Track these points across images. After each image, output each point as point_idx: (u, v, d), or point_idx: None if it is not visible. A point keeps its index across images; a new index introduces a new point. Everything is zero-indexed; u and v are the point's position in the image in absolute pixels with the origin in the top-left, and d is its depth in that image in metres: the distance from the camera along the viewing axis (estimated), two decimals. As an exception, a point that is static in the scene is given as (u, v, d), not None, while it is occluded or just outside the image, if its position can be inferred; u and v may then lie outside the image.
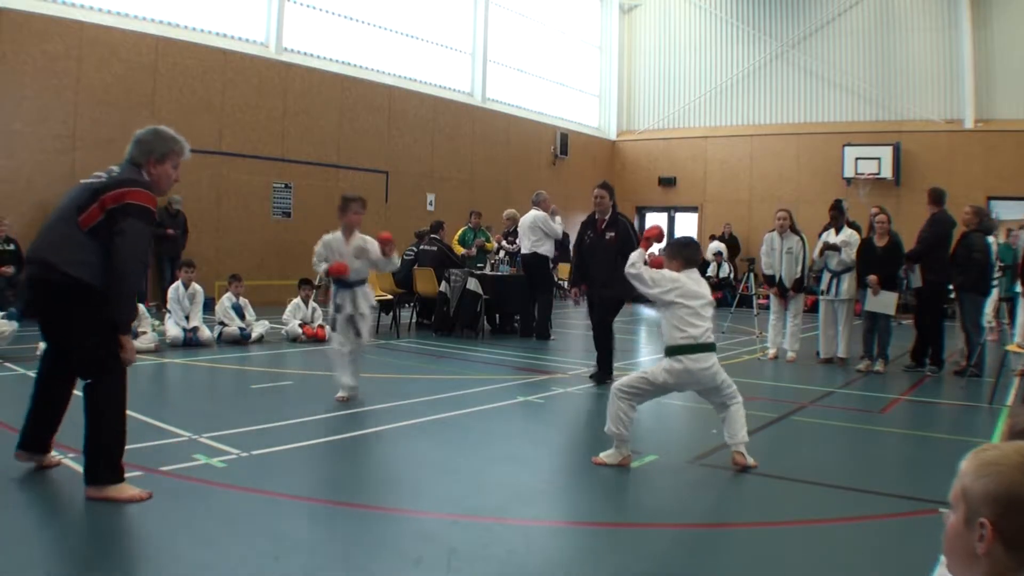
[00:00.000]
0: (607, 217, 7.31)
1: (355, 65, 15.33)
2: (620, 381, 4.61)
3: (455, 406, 6.04)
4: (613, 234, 7.23)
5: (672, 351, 4.43)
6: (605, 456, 4.53)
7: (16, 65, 10.76)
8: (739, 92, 20.40)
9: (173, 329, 8.56)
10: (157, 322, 8.80)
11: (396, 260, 6.25)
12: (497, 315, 11.07)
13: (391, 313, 10.76)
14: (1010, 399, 6.78)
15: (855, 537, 3.56)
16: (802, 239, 9.05)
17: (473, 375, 7.54)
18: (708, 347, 4.44)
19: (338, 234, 6.14)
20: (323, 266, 6.09)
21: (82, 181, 3.68)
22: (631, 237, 7.16)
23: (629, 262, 4.63)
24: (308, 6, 14.63)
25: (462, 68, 18.05)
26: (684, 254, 4.72)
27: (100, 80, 11.56)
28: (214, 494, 3.79)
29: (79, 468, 4.00)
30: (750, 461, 4.45)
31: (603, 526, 3.66)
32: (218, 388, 7.06)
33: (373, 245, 5.99)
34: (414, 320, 11.32)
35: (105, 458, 3.57)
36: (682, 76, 21.31)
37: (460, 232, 12.15)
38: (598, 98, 22.44)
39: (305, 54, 14.50)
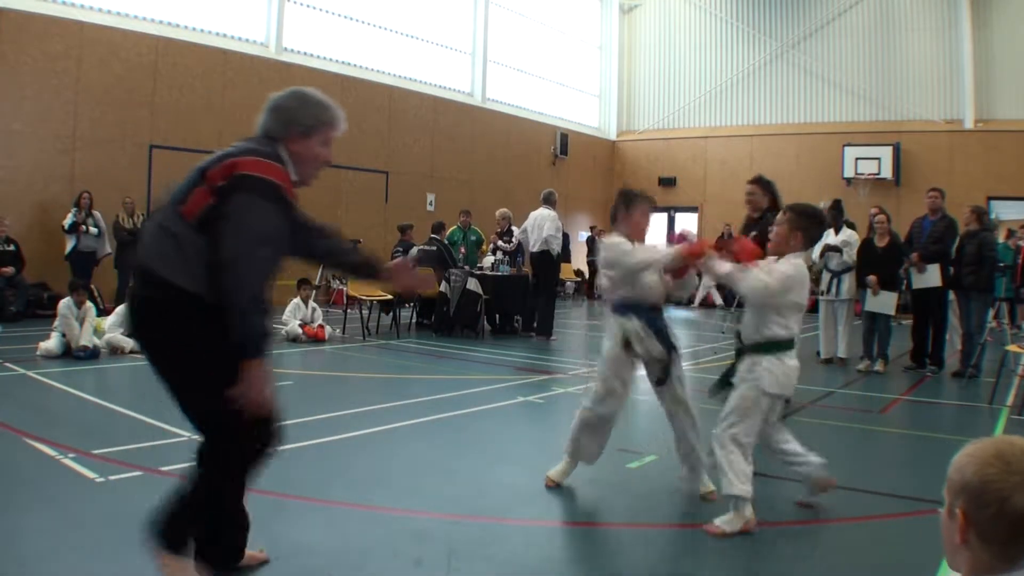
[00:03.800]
0: (756, 216, 6.16)
1: (355, 65, 15.33)
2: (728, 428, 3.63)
3: (455, 406, 6.04)
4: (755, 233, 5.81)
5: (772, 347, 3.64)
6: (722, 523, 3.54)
7: (16, 65, 10.76)
8: (739, 92, 20.40)
9: (173, 329, 8.53)
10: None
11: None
12: (497, 315, 11.07)
13: (391, 313, 10.76)
14: (1010, 399, 6.78)
15: (855, 537, 3.56)
16: None
17: (473, 375, 7.54)
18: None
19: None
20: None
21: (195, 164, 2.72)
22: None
23: (748, 282, 3.58)
24: (308, 6, 14.64)
25: (462, 68, 18.05)
26: (813, 230, 3.77)
27: (100, 80, 11.56)
28: (214, 494, 3.78)
29: (79, 468, 4.01)
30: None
31: (603, 526, 3.66)
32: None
33: None
34: (414, 320, 11.32)
35: (177, 520, 2.59)
36: (682, 76, 21.32)
37: (449, 231, 12.15)
38: (598, 98, 22.44)
39: (305, 54, 14.50)
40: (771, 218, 5.73)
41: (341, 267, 3.34)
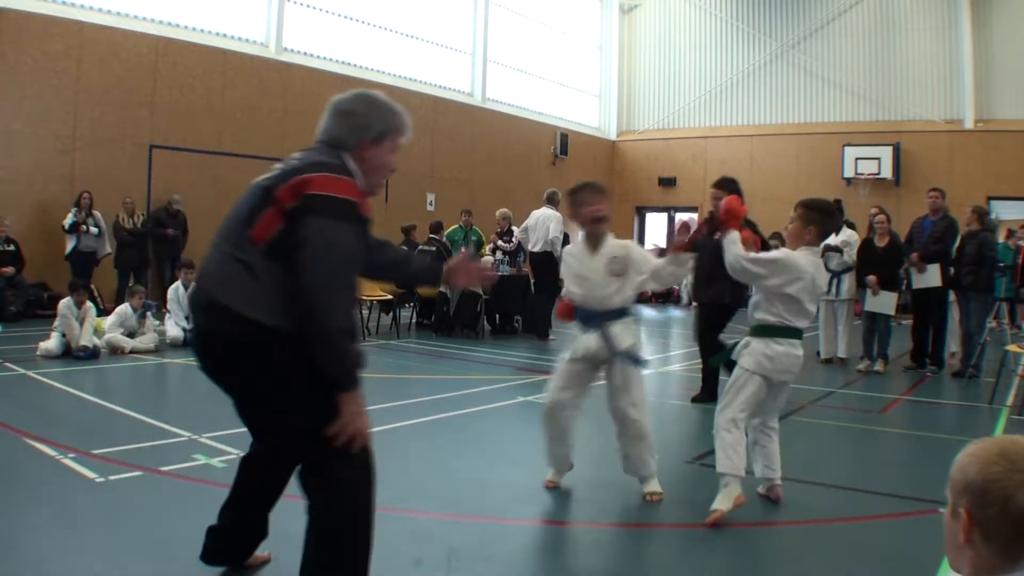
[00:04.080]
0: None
1: (355, 65, 15.33)
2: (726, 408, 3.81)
3: (455, 406, 6.04)
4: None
5: (769, 331, 3.74)
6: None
7: (16, 65, 10.76)
8: (739, 92, 20.40)
9: (173, 329, 8.56)
10: (157, 322, 8.80)
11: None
12: (497, 315, 11.07)
13: (391, 313, 10.76)
14: (1010, 399, 6.78)
15: (855, 537, 3.56)
16: None
17: (473, 375, 7.53)
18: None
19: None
20: None
21: (252, 182, 2.47)
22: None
23: (726, 252, 3.71)
24: (308, 6, 14.64)
25: (462, 68, 18.05)
26: (827, 223, 3.83)
27: (100, 80, 11.56)
28: (214, 494, 3.78)
29: (79, 468, 4.01)
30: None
31: (603, 526, 3.66)
32: (218, 388, 7.05)
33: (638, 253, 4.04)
34: (414, 320, 11.32)
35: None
36: (682, 76, 21.31)
37: (450, 230, 12.14)
38: (598, 98, 22.44)
39: (305, 54, 14.50)
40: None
41: (403, 277, 3.22)
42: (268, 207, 2.28)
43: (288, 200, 2.26)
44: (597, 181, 4.13)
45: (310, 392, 2.27)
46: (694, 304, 6.77)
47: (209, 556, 2.81)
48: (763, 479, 3.97)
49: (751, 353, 3.73)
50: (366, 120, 2.49)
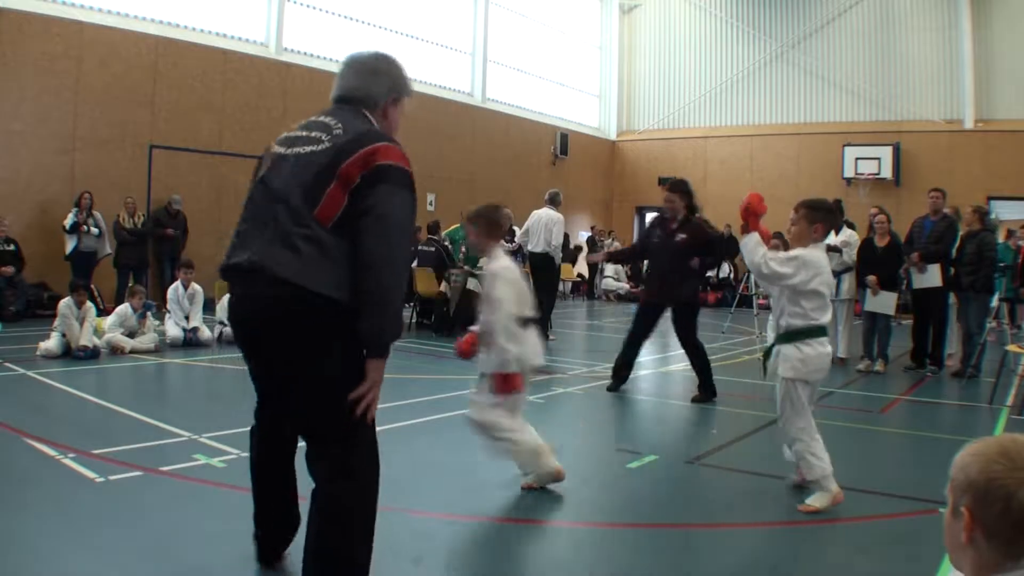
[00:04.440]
0: (679, 217, 6.60)
1: (355, 65, 15.32)
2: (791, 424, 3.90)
3: (455, 406, 6.03)
4: (684, 236, 6.49)
5: (798, 335, 3.84)
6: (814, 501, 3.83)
7: (16, 65, 10.76)
8: (739, 92, 20.40)
9: (173, 329, 8.56)
10: (157, 322, 8.80)
11: None
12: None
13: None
14: (1010, 399, 6.78)
15: (855, 537, 3.56)
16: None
17: (473, 375, 7.50)
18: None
19: None
20: None
21: (283, 151, 2.45)
22: (703, 234, 6.54)
23: (746, 249, 3.81)
24: (308, 6, 14.64)
25: (462, 68, 18.05)
26: (830, 220, 3.96)
27: (100, 80, 11.56)
28: (214, 494, 3.79)
29: (79, 468, 4.01)
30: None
31: (603, 526, 3.66)
32: (218, 388, 7.06)
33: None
34: (414, 320, 11.32)
35: (342, 563, 2.37)
36: (682, 76, 21.32)
37: (451, 229, 12.13)
38: (598, 98, 22.44)
39: (305, 54, 14.50)
40: (693, 220, 6.45)
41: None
42: (331, 184, 2.26)
43: (356, 175, 2.25)
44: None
45: (351, 363, 2.31)
46: (649, 304, 6.77)
47: (266, 556, 2.90)
48: (794, 464, 4.06)
49: (786, 360, 3.85)
50: (391, 80, 2.54)
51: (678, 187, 6.66)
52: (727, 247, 6.94)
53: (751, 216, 3.83)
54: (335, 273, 2.24)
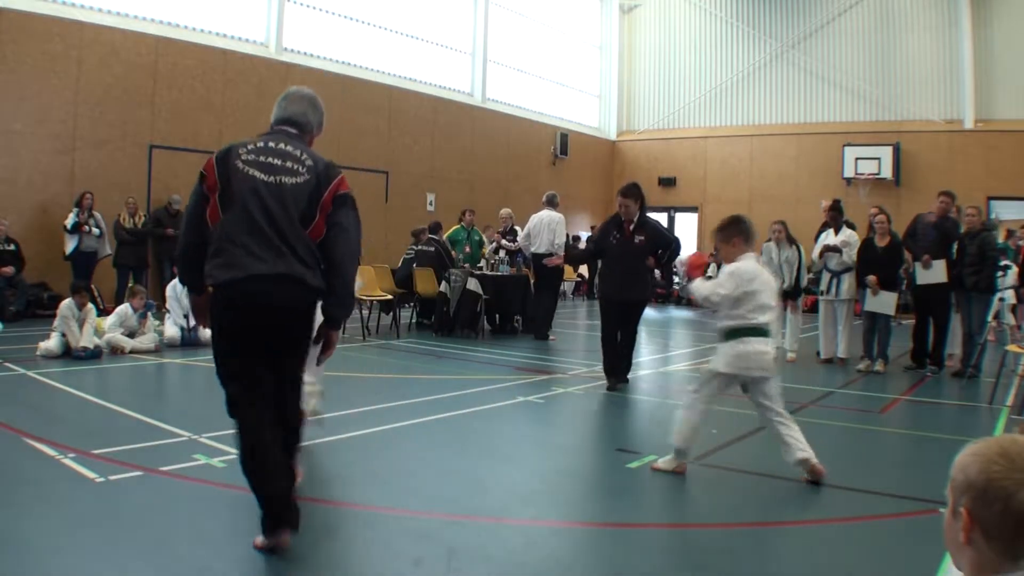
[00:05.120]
0: (635, 219, 6.98)
1: (355, 65, 15.33)
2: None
3: (455, 406, 6.04)
4: (642, 237, 6.91)
5: (735, 333, 4.22)
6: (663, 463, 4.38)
7: (16, 65, 10.76)
8: (739, 92, 20.40)
9: (171, 329, 8.55)
10: (157, 322, 8.80)
11: None
12: (497, 315, 11.07)
13: (391, 313, 10.76)
14: (1010, 399, 6.78)
15: (855, 537, 3.56)
16: (798, 249, 9.10)
17: (473, 375, 7.53)
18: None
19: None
20: None
21: (264, 179, 3.04)
22: (663, 235, 7.12)
23: (695, 293, 4.32)
24: (308, 6, 14.64)
25: (462, 68, 18.05)
26: (741, 228, 4.33)
27: (100, 80, 11.56)
28: (214, 494, 3.79)
29: (79, 468, 4.01)
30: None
31: (603, 526, 3.66)
32: (217, 388, 7.04)
33: None
34: (414, 320, 11.32)
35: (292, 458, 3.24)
36: (682, 76, 21.32)
37: (452, 230, 12.14)
38: (598, 98, 22.44)
39: (305, 54, 14.50)
40: (649, 222, 7.01)
41: None
42: (318, 215, 3.07)
43: (329, 203, 3.09)
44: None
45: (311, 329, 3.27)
46: (611, 302, 7.05)
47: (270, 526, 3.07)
48: (799, 462, 4.12)
49: (722, 355, 4.26)
50: (319, 115, 3.34)
51: (631, 192, 7.08)
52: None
53: (694, 270, 4.56)
54: (319, 272, 3.12)
